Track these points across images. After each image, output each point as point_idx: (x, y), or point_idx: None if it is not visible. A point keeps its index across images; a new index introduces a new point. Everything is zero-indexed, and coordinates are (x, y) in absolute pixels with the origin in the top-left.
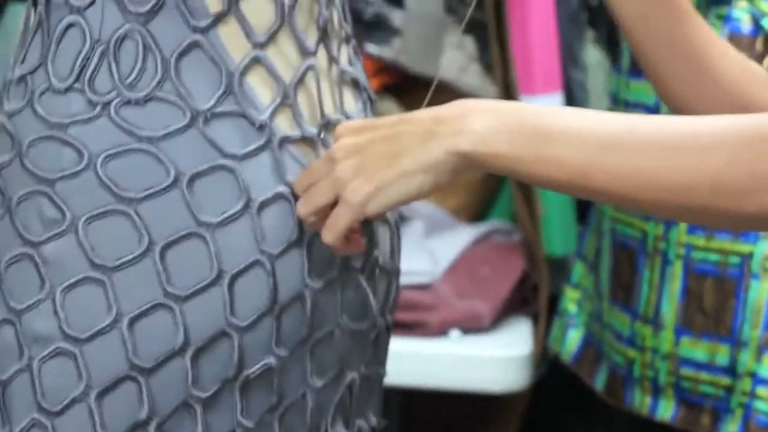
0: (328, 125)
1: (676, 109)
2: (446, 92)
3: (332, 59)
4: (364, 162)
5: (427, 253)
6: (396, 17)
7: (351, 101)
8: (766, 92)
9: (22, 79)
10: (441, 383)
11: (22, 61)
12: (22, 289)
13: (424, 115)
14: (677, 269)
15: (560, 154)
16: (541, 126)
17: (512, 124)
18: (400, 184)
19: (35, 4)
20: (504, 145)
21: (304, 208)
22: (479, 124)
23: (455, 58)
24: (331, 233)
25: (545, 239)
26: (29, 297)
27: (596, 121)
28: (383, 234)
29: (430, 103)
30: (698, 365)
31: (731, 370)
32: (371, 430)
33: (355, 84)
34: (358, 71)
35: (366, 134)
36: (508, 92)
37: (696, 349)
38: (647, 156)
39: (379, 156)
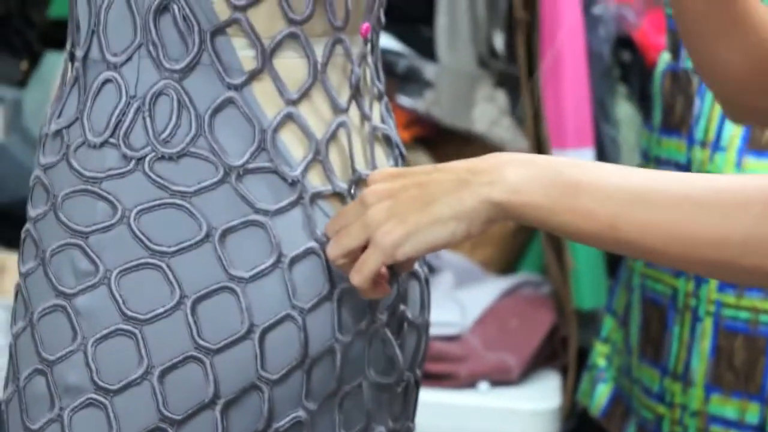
0: (359, 181)
1: (704, 71)
2: (477, 145)
3: (364, 116)
4: (397, 206)
5: (457, 305)
6: (428, 70)
7: (382, 157)
8: None
9: (58, 133)
10: None
11: (59, 116)
12: (54, 340)
13: (459, 164)
14: (707, 326)
15: (591, 206)
16: (573, 178)
17: (545, 176)
18: (432, 230)
19: (72, 59)
20: (537, 195)
21: (334, 250)
22: (513, 174)
23: (487, 111)
24: (359, 275)
25: (575, 293)
26: (61, 348)
27: (627, 175)
28: (413, 288)
29: (462, 156)
30: (728, 423)
31: (761, 428)
32: None
33: (387, 140)
34: (390, 128)
35: (399, 180)
36: (539, 146)
37: (726, 407)
38: (677, 210)
39: (412, 201)
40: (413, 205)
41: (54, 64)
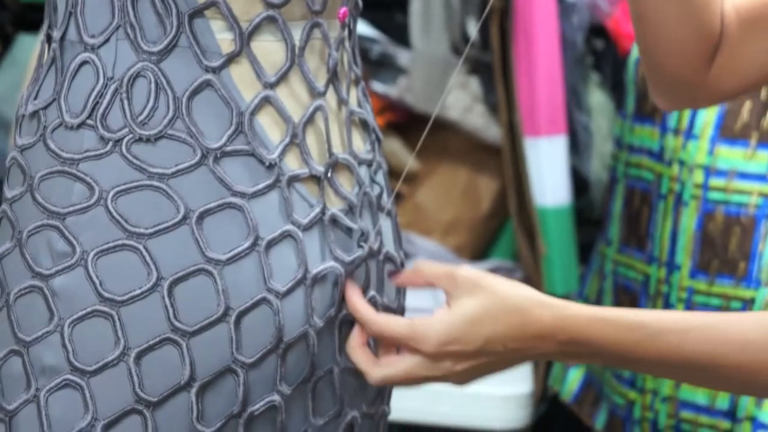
0: (336, 164)
1: (659, 51)
2: (450, 132)
3: (341, 100)
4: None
5: (429, 291)
6: (402, 57)
7: (359, 141)
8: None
9: (34, 114)
10: (442, 420)
11: (35, 97)
12: (30, 321)
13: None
14: None
15: (650, 373)
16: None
17: (603, 360)
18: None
19: (49, 41)
20: (594, 362)
21: (381, 378)
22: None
23: (460, 98)
24: (400, 384)
25: (547, 279)
26: (38, 329)
27: (676, 350)
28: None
29: (434, 143)
30: (698, 408)
31: (731, 414)
32: None
33: (364, 125)
34: (367, 112)
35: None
36: (512, 133)
37: (696, 392)
38: (727, 381)
39: (479, 372)
40: (476, 374)
41: (27, 47)
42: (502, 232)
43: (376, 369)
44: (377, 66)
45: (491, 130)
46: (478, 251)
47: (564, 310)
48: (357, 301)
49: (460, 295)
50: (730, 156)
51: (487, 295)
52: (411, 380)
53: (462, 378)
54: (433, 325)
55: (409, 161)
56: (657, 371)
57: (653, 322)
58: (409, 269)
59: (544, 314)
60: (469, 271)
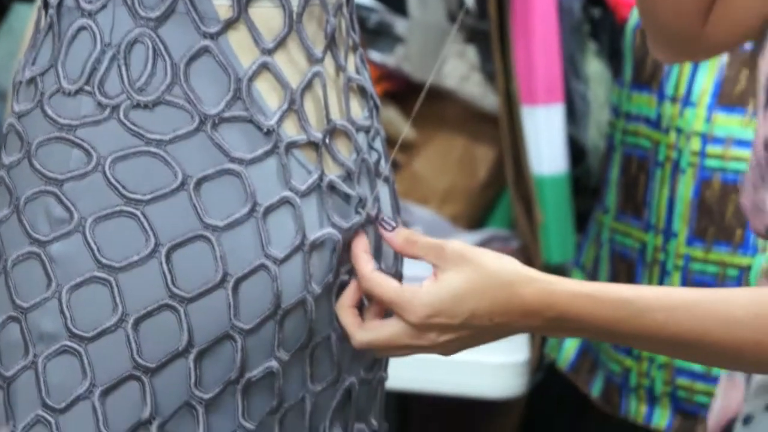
0: (334, 130)
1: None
2: (447, 100)
3: (339, 67)
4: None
5: None
6: (399, 25)
7: (357, 108)
8: None
9: (32, 80)
10: (438, 388)
11: (33, 63)
12: (28, 287)
13: (502, 325)
14: (675, 280)
15: (638, 348)
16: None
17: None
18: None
19: (46, 7)
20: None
21: (364, 342)
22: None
23: (457, 66)
24: (380, 352)
25: (543, 247)
26: (35, 295)
27: (662, 327)
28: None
29: (431, 112)
30: (694, 375)
31: None
32: None
33: (362, 91)
34: (365, 79)
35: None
36: (509, 102)
37: None
38: (714, 358)
39: (462, 343)
40: (462, 345)
41: (23, 16)
42: (498, 200)
43: (360, 332)
44: (374, 35)
45: (488, 99)
46: (475, 220)
47: (551, 285)
48: (360, 254)
49: (447, 268)
50: (728, 123)
51: (474, 269)
52: (394, 347)
53: (447, 349)
54: (420, 295)
55: (405, 129)
56: (645, 347)
57: (640, 299)
58: (403, 232)
59: (531, 290)
60: (458, 244)
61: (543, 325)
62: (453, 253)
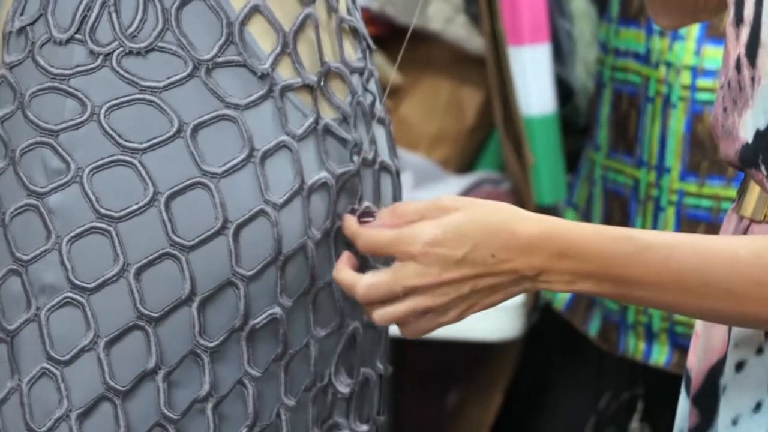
0: (328, 73)
1: None
2: (433, 43)
3: (331, 8)
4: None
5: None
6: None
7: (350, 49)
8: None
9: (21, 30)
10: (434, 332)
11: (22, 13)
12: (28, 240)
13: (504, 268)
14: (670, 215)
15: (642, 298)
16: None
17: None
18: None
19: None
20: (587, 288)
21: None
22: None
23: (441, 9)
24: (405, 330)
25: (535, 188)
26: (35, 247)
27: (664, 265)
28: (385, 183)
29: (417, 55)
30: None
31: None
32: (378, 377)
33: (354, 32)
34: (357, 20)
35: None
36: (495, 43)
37: None
38: (717, 302)
39: (472, 299)
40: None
41: None
42: (488, 143)
43: (361, 279)
44: None
45: (474, 41)
46: (465, 163)
47: (552, 222)
48: (345, 216)
49: (449, 212)
50: (717, 56)
51: (475, 209)
52: (398, 287)
53: (450, 298)
54: (422, 227)
55: (392, 74)
56: (645, 291)
57: (642, 235)
58: (384, 209)
59: (532, 226)
60: (453, 196)
61: (544, 264)
62: (450, 200)
